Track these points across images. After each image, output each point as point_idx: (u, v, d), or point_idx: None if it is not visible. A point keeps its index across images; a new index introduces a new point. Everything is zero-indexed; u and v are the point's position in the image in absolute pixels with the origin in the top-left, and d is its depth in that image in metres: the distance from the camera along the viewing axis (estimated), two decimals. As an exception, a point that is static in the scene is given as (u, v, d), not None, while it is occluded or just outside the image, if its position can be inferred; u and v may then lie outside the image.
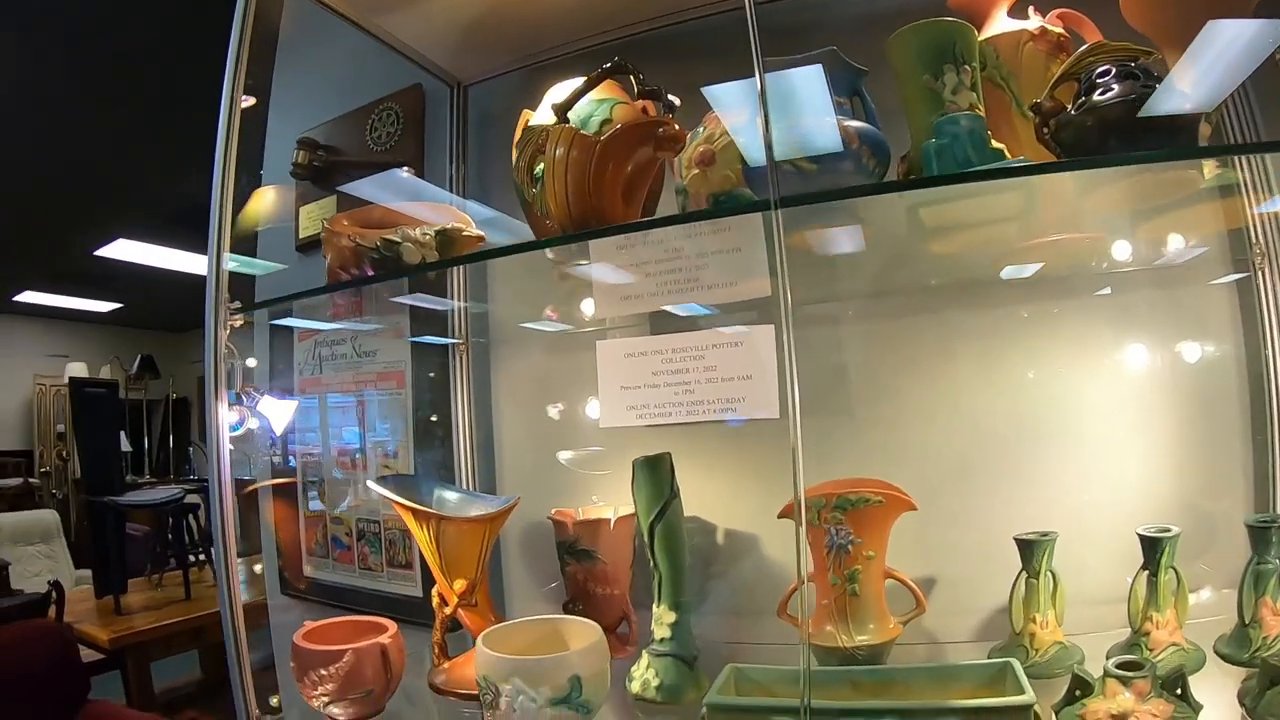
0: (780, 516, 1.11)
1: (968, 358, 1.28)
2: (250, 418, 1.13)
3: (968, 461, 1.23)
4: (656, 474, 1.12)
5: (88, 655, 2.43)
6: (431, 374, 1.59)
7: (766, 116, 0.90)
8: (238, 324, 1.14)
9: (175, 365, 7.07)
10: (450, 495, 1.19)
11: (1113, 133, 0.85)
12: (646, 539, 1.12)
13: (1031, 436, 1.23)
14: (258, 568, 1.75)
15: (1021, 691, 0.86)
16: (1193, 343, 1.21)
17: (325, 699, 1.09)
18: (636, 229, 1.11)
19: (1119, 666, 0.88)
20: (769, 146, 0.90)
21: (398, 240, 1.06)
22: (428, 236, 1.08)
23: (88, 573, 3.71)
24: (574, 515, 1.29)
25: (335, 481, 1.74)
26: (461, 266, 1.48)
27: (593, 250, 1.29)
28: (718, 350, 1.27)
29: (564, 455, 1.47)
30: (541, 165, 1.01)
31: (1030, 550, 1.09)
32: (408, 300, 1.57)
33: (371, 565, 1.69)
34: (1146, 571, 1.03)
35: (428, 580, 1.58)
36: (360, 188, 1.47)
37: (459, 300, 1.52)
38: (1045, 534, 1.09)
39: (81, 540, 4.50)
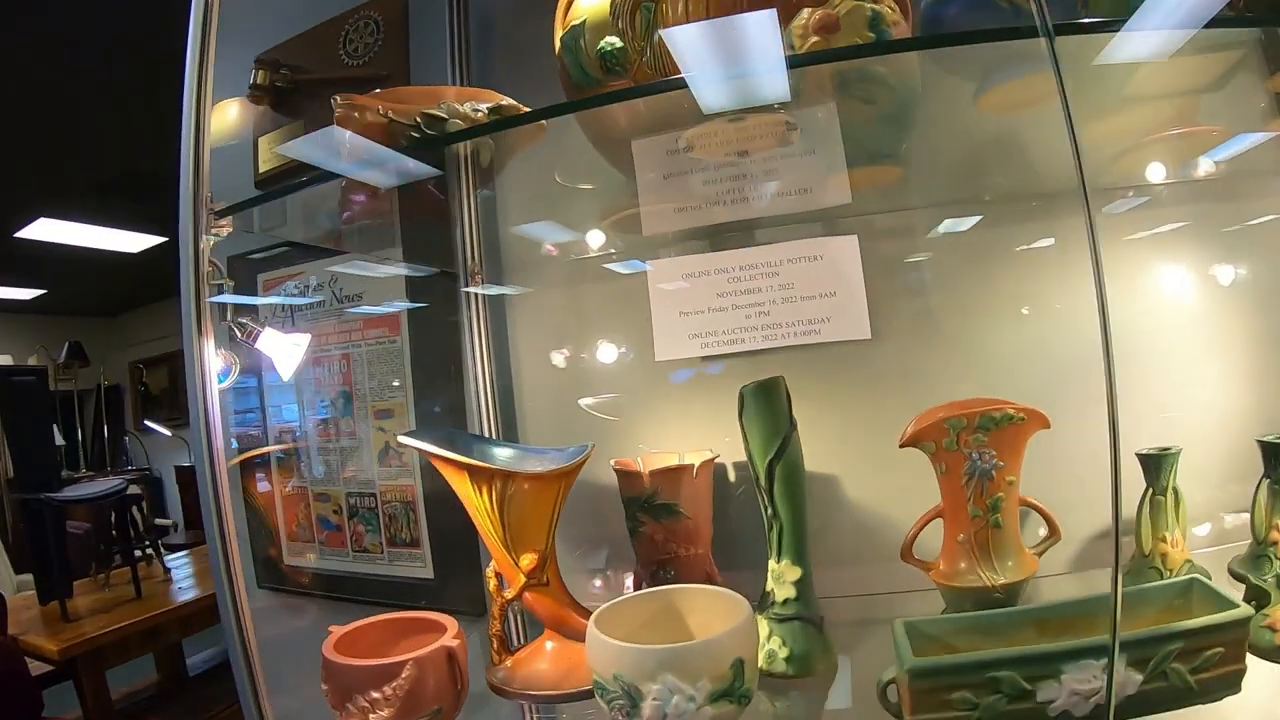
0: (905, 445, 0.96)
1: (1052, 271, 1.17)
2: (237, 366, 0.86)
3: (1056, 381, 1.10)
4: (772, 402, 0.93)
5: (37, 668, 2.32)
6: (435, 316, 1.37)
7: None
8: (225, 233, 0.87)
9: (106, 352, 6.63)
10: (500, 452, 0.95)
11: None
12: (763, 481, 0.93)
13: (1119, 355, 1.11)
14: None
15: (1214, 607, 0.78)
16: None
17: None
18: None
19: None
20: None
21: (443, 116, 0.84)
22: (479, 113, 0.86)
23: (29, 577, 3.44)
24: (635, 465, 1.09)
25: (318, 453, 1.51)
26: (469, 192, 1.27)
27: (638, 156, 1.10)
28: (794, 265, 1.10)
29: (600, 400, 1.27)
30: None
31: (1156, 466, 1.00)
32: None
33: (368, 546, 1.47)
34: (1269, 480, 0.96)
35: (443, 560, 1.38)
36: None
37: (468, 220, 1.29)
38: (1167, 448, 1.00)
39: (18, 543, 4.16)
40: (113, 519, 3.05)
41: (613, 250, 1.26)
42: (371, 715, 0.83)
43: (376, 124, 0.85)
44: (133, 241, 4.83)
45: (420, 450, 0.91)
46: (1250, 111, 1.15)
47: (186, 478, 5.62)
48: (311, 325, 1.51)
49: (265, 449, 1.53)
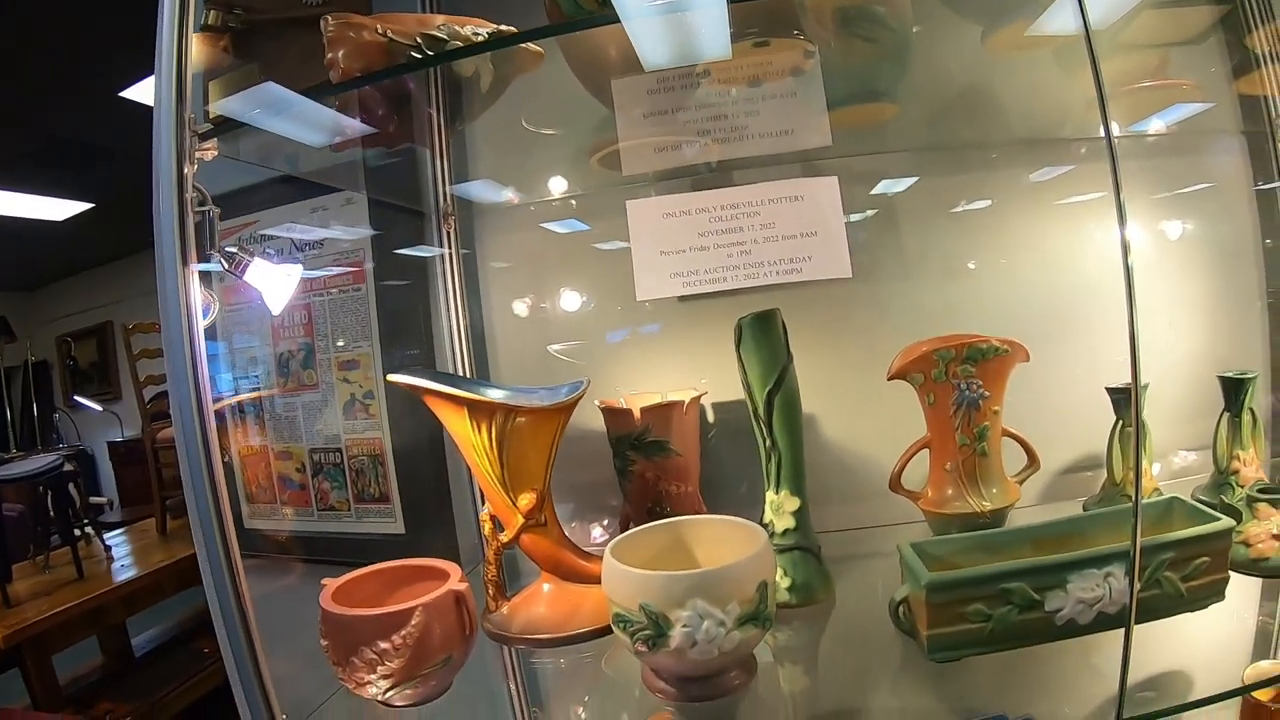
0: (894, 378, 0.96)
1: (1022, 217, 1.22)
2: (216, 305, 0.80)
3: (1030, 322, 1.14)
4: (769, 333, 0.92)
5: (-21, 659, 2.16)
6: (403, 261, 1.32)
7: None
8: (210, 156, 0.79)
9: (32, 327, 6.32)
10: (493, 392, 0.90)
11: None
12: (762, 413, 0.92)
13: (1087, 296, 1.17)
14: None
15: (1195, 523, 0.82)
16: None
17: (389, 682, 0.79)
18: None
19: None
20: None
21: (443, 36, 0.80)
22: (480, 36, 0.83)
23: (-38, 564, 3.25)
24: (618, 403, 1.08)
25: (280, 409, 1.45)
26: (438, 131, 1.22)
27: (618, 94, 1.08)
28: (776, 205, 1.09)
29: (575, 345, 1.26)
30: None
31: (1125, 398, 1.05)
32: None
33: (335, 504, 1.42)
34: (1229, 414, 1.02)
35: (415, 514, 1.35)
36: (292, 49, 1.16)
37: (441, 160, 1.25)
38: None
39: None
40: (49, 499, 2.93)
41: (587, 192, 1.24)
42: (380, 668, 0.78)
43: (374, 44, 0.81)
44: (57, 209, 4.59)
45: (416, 387, 0.87)
46: (1223, 68, 1.20)
47: (120, 453, 5.43)
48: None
49: (223, 401, 1.46)
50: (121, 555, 2.93)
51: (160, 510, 3.02)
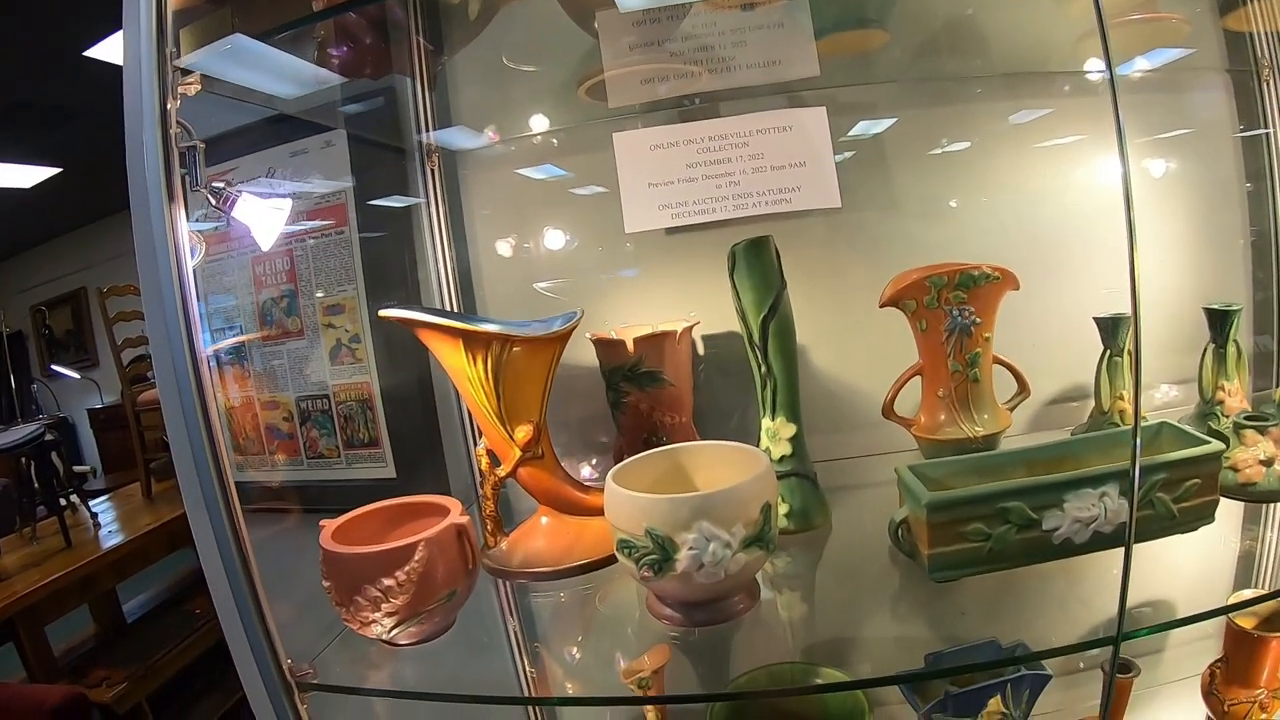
0: (885, 305, 0.96)
1: (1007, 152, 1.21)
2: (203, 246, 0.78)
3: (1018, 253, 1.13)
4: (763, 259, 0.91)
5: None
6: (386, 201, 1.29)
7: None
8: (194, 91, 0.76)
9: (4, 298, 6.17)
10: (487, 325, 0.87)
11: None
12: (757, 339, 0.92)
13: (1074, 228, 1.18)
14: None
15: (1182, 445, 0.83)
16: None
17: (393, 619, 0.79)
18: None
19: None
20: None
21: None
22: None
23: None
24: (610, 336, 1.07)
25: (264, 358, 1.43)
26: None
27: (603, 27, 1.06)
28: (764, 136, 1.09)
29: (562, 282, 1.24)
30: None
31: (1112, 329, 1.06)
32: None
33: (324, 451, 1.40)
34: (1214, 345, 1.03)
35: (405, 457, 1.34)
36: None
37: (423, 90, 1.21)
38: (1121, 314, 1.05)
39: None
40: (32, 469, 2.89)
41: (573, 125, 1.22)
42: (384, 605, 0.77)
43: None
44: (24, 176, 4.48)
45: (410, 320, 0.85)
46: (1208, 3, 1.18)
47: (100, 420, 5.37)
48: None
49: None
50: (108, 522, 2.91)
51: (144, 474, 2.99)
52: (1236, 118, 1.20)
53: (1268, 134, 1.19)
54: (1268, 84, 1.17)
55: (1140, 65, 1.18)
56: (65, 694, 1.99)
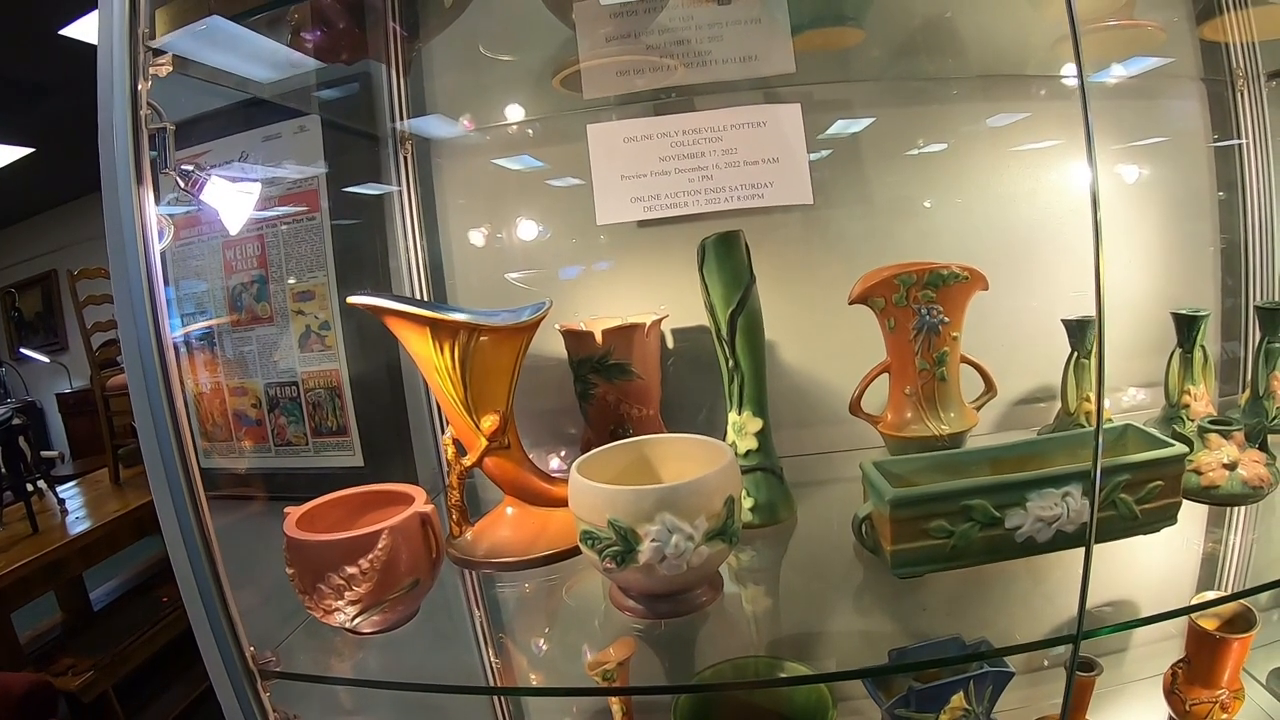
0: (854, 302, 0.97)
1: (981, 152, 1.21)
2: (171, 229, 0.77)
3: (987, 254, 1.13)
4: (733, 254, 0.91)
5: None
6: (358, 189, 1.28)
7: None
8: (165, 72, 0.75)
9: (-36, 284, 6.09)
10: (456, 315, 0.87)
11: None
12: (725, 333, 0.92)
13: (1043, 231, 1.18)
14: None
15: (1147, 447, 0.84)
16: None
17: (356, 607, 0.78)
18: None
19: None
20: None
21: None
22: None
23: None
24: (579, 326, 1.07)
25: (232, 344, 1.42)
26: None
27: (579, 18, 1.06)
28: (738, 131, 1.09)
29: (533, 273, 1.24)
30: None
31: (1079, 331, 1.06)
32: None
33: (292, 439, 1.39)
34: (1181, 350, 1.04)
35: (373, 446, 1.33)
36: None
37: (398, 76, 1.20)
38: (1087, 317, 1.06)
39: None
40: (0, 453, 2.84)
41: (547, 116, 1.22)
42: (347, 593, 0.77)
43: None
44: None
45: (377, 308, 0.84)
46: (1186, 9, 1.20)
47: (69, 404, 5.30)
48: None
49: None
50: (75, 507, 2.87)
51: (112, 459, 2.95)
52: (1210, 126, 1.22)
53: (1240, 144, 1.20)
54: (1241, 94, 1.19)
55: (1116, 71, 1.19)
56: (31, 682, 1.96)
